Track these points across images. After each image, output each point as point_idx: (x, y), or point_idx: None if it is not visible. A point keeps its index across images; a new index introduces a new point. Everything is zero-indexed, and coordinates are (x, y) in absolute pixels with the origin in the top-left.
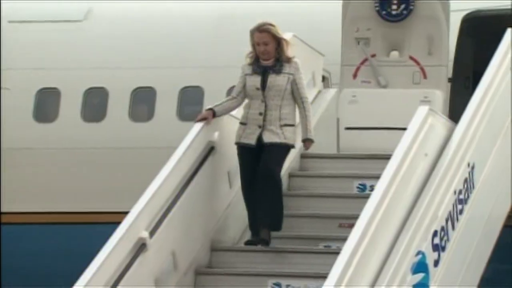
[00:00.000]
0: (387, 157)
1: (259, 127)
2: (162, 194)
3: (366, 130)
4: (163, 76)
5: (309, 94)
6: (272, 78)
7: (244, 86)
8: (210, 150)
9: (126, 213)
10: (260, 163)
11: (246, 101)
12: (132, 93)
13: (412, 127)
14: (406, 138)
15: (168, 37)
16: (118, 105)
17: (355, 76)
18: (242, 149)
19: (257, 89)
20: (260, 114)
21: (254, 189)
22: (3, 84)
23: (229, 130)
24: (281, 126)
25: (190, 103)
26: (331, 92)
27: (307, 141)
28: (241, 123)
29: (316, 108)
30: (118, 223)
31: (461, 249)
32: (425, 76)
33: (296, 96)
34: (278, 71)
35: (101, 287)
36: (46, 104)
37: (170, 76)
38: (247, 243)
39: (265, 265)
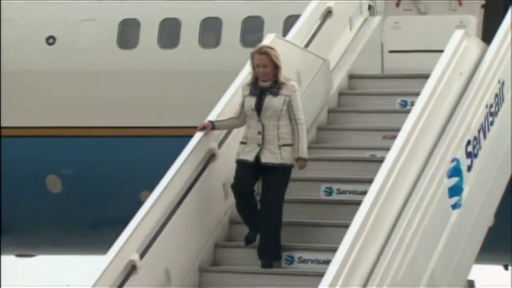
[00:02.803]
0: (426, 76)
1: (258, 145)
2: (230, 111)
3: (407, 52)
4: (228, 7)
5: (356, 21)
6: (268, 99)
7: (243, 106)
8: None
9: (193, 127)
10: (261, 192)
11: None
12: (201, 23)
13: (449, 49)
14: (443, 59)
15: None
16: (190, 34)
17: (398, 4)
18: (240, 164)
19: (253, 110)
20: (259, 133)
21: (247, 203)
22: (91, 16)
23: (284, 53)
24: (280, 146)
25: (252, 31)
26: (376, 19)
27: (300, 160)
28: (241, 143)
29: (362, 34)
30: (190, 136)
31: (491, 155)
32: (460, 4)
33: (291, 117)
34: (275, 93)
35: (178, 189)
36: (128, 33)
37: (235, 7)
38: (247, 240)
39: (318, 172)
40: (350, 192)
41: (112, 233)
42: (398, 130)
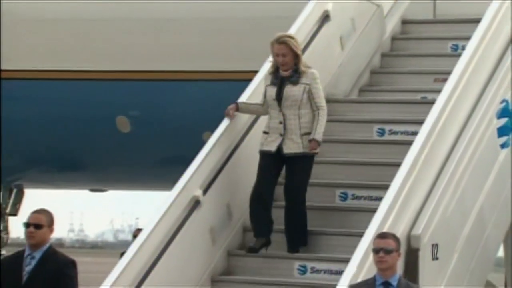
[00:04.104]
0: (477, 21)
1: (280, 135)
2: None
3: None
4: None
5: None
6: (288, 89)
7: (266, 96)
8: (325, 18)
9: (254, 71)
10: (285, 182)
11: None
12: None
13: None
14: (494, 3)
15: None
16: None
17: None
18: (263, 155)
19: (274, 99)
20: (280, 123)
21: (263, 201)
22: None
23: (340, 1)
24: (302, 135)
25: None
26: None
27: (313, 141)
28: (264, 132)
29: None
30: (250, 80)
31: None
32: None
33: (313, 104)
34: (295, 82)
35: (238, 130)
36: None
37: None
38: (250, 250)
39: (371, 113)
40: (401, 133)
41: (177, 170)
42: (449, 73)
